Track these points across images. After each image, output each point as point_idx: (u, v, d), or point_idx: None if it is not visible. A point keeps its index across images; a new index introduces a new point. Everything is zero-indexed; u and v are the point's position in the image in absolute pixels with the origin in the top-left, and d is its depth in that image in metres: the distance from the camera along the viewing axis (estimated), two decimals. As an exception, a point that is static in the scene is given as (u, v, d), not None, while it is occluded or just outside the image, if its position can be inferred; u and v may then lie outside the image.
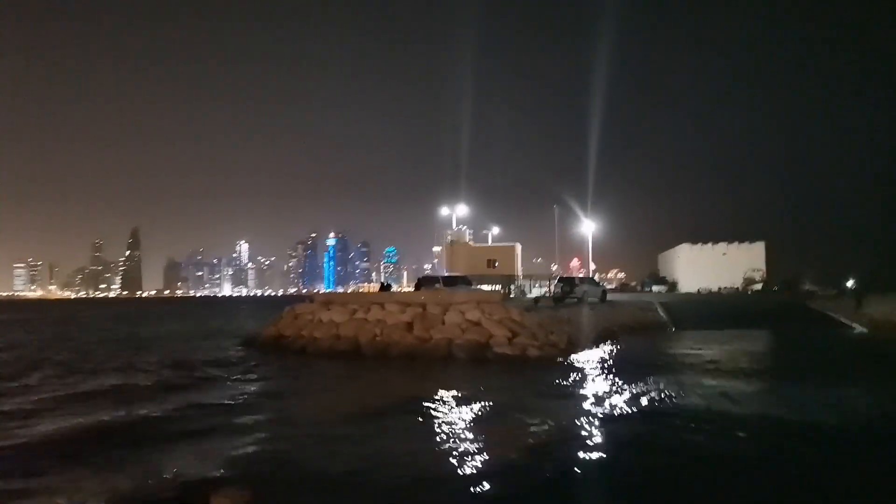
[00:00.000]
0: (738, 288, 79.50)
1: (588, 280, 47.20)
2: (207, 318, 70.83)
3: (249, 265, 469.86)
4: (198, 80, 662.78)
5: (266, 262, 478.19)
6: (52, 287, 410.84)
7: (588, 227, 66.60)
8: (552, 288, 45.61)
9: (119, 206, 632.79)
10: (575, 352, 24.27)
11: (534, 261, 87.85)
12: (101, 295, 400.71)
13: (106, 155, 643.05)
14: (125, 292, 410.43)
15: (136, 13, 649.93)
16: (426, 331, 24.86)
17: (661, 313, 41.34)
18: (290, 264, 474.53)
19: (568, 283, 43.04)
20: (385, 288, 46.26)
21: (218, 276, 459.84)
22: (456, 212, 60.34)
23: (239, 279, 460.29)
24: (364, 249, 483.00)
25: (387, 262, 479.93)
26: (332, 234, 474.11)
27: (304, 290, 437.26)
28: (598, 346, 26.76)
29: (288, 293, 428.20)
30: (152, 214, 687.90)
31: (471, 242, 58.76)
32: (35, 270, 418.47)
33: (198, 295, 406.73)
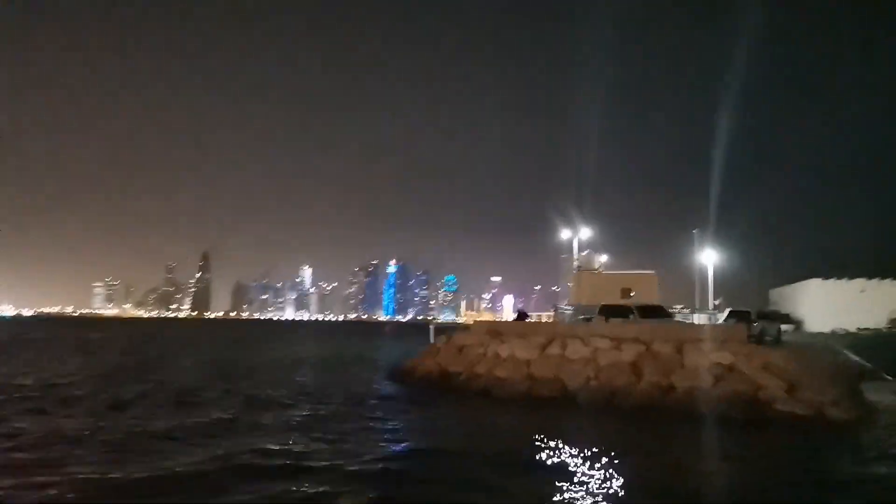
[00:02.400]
0: (884, 328, 69.89)
1: (768, 314, 40.31)
2: (306, 342, 67.37)
3: (312, 290, 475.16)
4: (267, 111, 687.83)
5: (328, 288, 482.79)
6: (127, 306, 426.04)
7: (708, 258, 59.65)
8: (723, 321, 38.96)
9: (191, 229, 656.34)
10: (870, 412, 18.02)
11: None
12: (172, 315, 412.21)
13: (182, 180, 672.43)
14: (194, 313, 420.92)
15: (216, 46, 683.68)
16: (664, 376, 19.16)
17: (855, 357, 34.23)
18: (351, 290, 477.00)
19: (745, 316, 36.33)
20: (522, 316, 40.87)
21: (282, 299, 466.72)
22: (578, 236, 54.73)
23: (301, 304, 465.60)
24: (424, 277, 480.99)
25: (446, 290, 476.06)
26: (392, 262, 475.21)
27: (364, 316, 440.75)
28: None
29: (349, 318, 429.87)
30: (222, 238, 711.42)
31: (600, 270, 52.76)
32: (112, 290, 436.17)
33: (262, 318, 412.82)
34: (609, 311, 28.08)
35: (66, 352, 45.12)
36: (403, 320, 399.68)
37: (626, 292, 49.54)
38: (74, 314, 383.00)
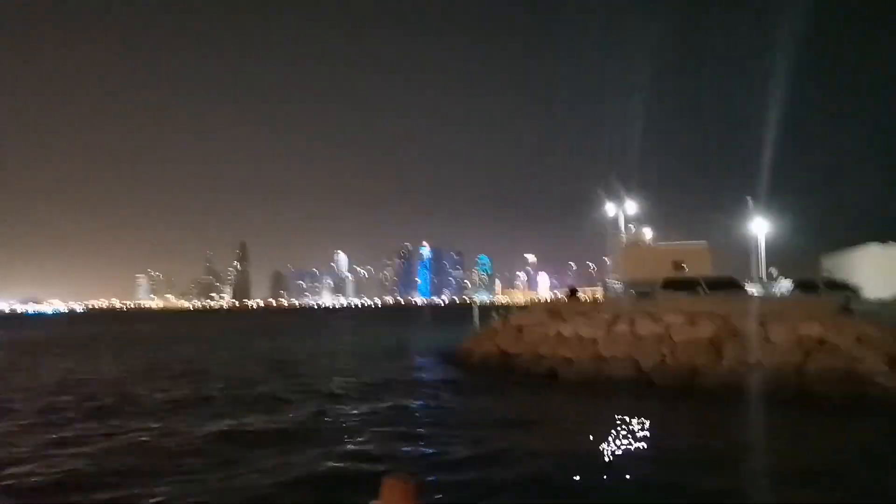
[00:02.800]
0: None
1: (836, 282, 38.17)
2: (352, 330, 67.49)
3: (348, 275, 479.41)
4: (300, 104, 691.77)
5: (363, 273, 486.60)
6: (170, 297, 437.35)
7: (759, 227, 57.03)
8: (786, 292, 37.06)
9: (228, 219, 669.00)
10: None
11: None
12: (215, 304, 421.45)
13: (217, 171, 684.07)
14: (235, 301, 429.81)
15: (254, 39, 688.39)
16: (748, 353, 17.91)
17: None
18: (386, 273, 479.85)
19: (812, 286, 34.39)
20: (573, 293, 39.78)
21: (318, 285, 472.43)
22: (623, 210, 52.94)
23: (338, 289, 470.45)
24: (457, 258, 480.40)
25: (480, 270, 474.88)
26: (426, 244, 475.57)
27: (401, 300, 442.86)
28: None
29: (386, 302, 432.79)
30: (258, 227, 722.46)
31: (649, 242, 50.94)
32: (154, 281, 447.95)
33: (299, 305, 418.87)
34: (673, 285, 26.75)
35: (130, 349, 45.77)
36: (442, 302, 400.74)
37: (677, 265, 47.84)
38: (122, 308, 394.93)
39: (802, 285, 37.13)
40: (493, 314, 67.31)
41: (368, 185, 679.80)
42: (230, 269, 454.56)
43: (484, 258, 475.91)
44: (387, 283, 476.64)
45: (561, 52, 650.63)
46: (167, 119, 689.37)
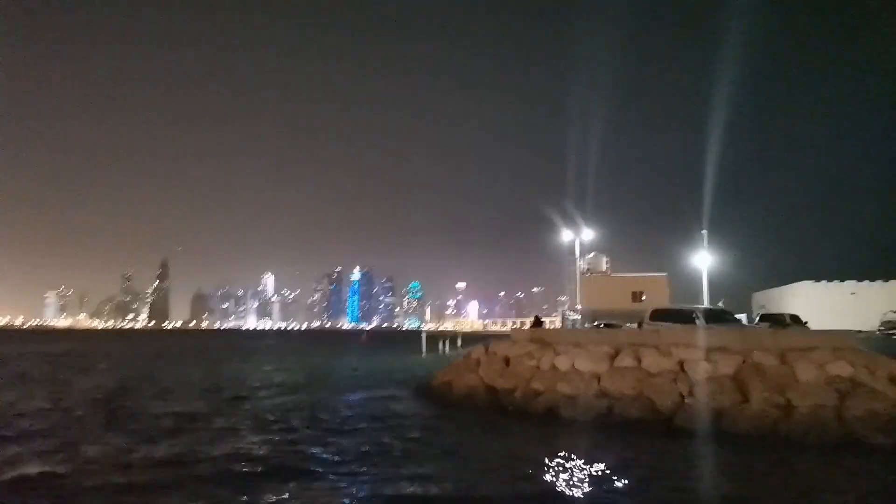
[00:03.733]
0: (878, 331, 69.49)
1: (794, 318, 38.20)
2: (288, 355, 62.93)
3: (274, 298, 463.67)
4: (225, 110, 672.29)
5: (290, 296, 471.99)
6: (82, 316, 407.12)
7: (703, 260, 57.82)
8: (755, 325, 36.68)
9: (148, 236, 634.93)
10: None
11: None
12: (129, 325, 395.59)
13: (137, 184, 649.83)
14: (151, 323, 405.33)
15: (183, 39, 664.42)
16: (777, 393, 16.23)
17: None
18: (315, 298, 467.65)
19: (779, 320, 34.11)
20: (538, 323, 37.87)
21: (243, 308, 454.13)
22: (581, 237, 52.05)
23: (263, 312, 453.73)
24: (388, 284, 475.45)
25: (411, 297, 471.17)
26: (356, 269, 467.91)
27: (328, 325, 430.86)
28: None
29: (312, 327, 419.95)
30: (181, 245, 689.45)
31: (607, 272, 50.16)
32: (65, 300, 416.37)
33: (223, 328, 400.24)
34: (664, 315, 25.18)
35: (56, 371, 39.94)
36: (368, 328, 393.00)
37: (637, 296, 47.25)
38: (23, 326, 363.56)
39: (770, 318, 36.91)
40: (442, 342, 65.02)
41: (300, 206, 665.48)
42: (149, 289, 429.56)
43: (415, 285, 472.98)
44: (315, 308, 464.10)
45: (501, 82, 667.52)
46: (85, 126, 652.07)
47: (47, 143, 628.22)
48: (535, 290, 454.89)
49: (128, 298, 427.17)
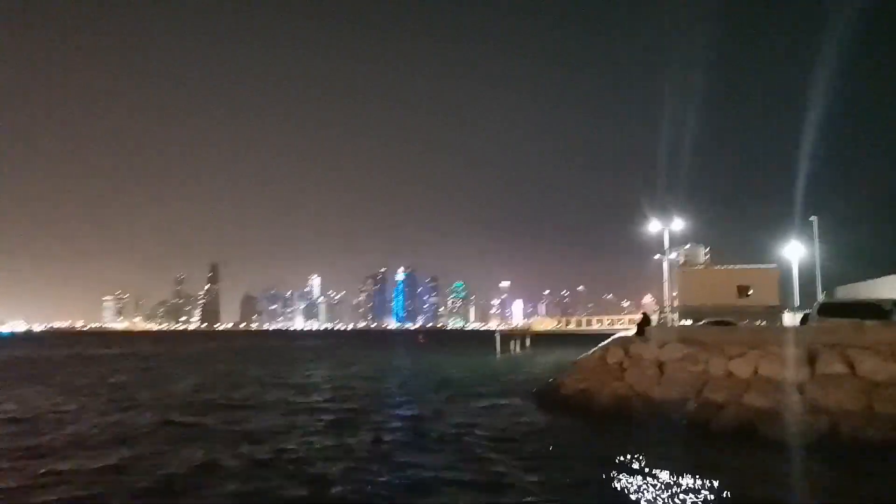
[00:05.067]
0: None
1: None
2: (370, 357, 60.58)
3: (321, 299, 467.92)
4: (273, 122, 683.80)
5: (336, 297, 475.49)
6: (137, 319, 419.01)
7: (794, 251, 52.40)
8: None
9: (200, 240, 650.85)
10: None
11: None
12: (182, 327, 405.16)
13: (187, 191, 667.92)
14: (204, 325, 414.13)
15: (222, 53, 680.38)
16: None
17: None
18: (360, 298, 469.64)
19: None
20: (647, 322, 33.99)
21: (291, 309, 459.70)
22: (670, 227, 47.66)
23: (310, 313, 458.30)
24: (432, 284, 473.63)
25: (455, 296, 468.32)
26: (401, 269, 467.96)
27: (374, 325, 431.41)
28: None
29: (358, 327, 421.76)
30: (230, 249, 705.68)
31: (706, 264, 45.67)
32: (121, 303, 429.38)
33: (271, 328, 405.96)
34: (839, 310, 21.10)
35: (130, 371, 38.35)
36: (413, 327, 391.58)
37: (743, 290, 42.56)
38: (84, 328, 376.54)
39: (857, 309, 31.53)
40: (514, 342, 61.42)
41: (345, 209, 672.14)
42: (200, 292, 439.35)
43: (459, 284, 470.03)
44: (360, 308, 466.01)
45: (564, 73, 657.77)
46: (136, 137, 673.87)
47: (104, 158, 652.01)
48: (579, 288, 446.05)
49: (181, 301, 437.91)
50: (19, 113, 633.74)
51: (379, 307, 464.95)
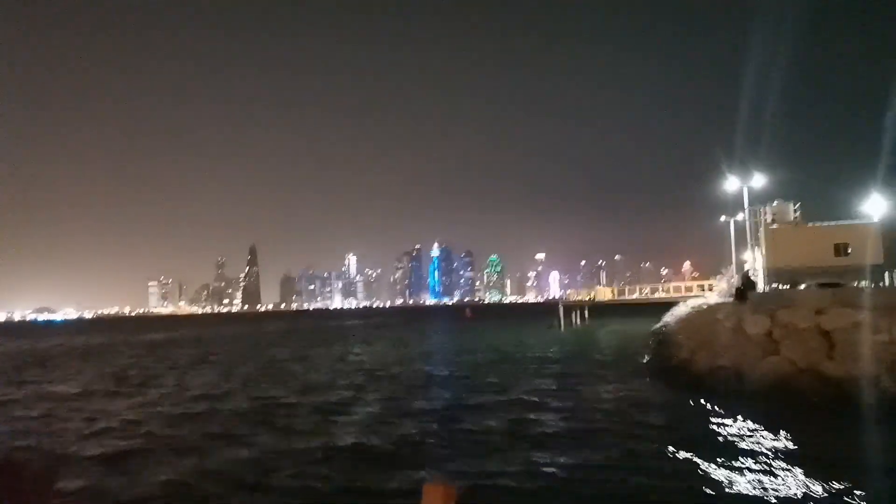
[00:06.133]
0: None
1: None
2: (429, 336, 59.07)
3: (358, 278, 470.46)
4: (309, 105, 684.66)
5: (373, 275, 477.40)
6: (181, 303, 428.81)
7: (875, 206, 48.05)
8: None
9: (238, 224, 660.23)
10: None
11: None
12: (225, 310, 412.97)
13: (226, 176, 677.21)
14: (246, 307, 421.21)
15: (265, 42, 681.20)
16: None
17: None
18: (397, 276, 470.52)
19: None
20: (750, 285, 31.10)
21: (329, 289, 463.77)
22: (750, 183, 44.02)
23: (348, 291, 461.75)
24: (467, 259, 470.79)
25: (490, 270, 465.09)
26: (435, 245, 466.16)
27: (411, 301, 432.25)
28: None
29: (396, 304, 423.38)
30: (268, 231, 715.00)
31: (797, 222, 42.07)
32: (165, 288, 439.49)
33: (311, 308, 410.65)
34: None
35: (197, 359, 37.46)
36: (451, 302, 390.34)
37: (841, 249, 39.00)
38: (131, 314, 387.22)
39: None
40: (575, 314, 58.73)
41: (378, 187, 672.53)
42: (241, 275, 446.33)
43: (494, 258, 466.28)
44: (397, 285, 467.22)
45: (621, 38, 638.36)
46: (174, 126, 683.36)
47: (146, 150, 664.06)
48: (616, 257, 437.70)
49: (222, 284, 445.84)
50: (67, 107, 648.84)
51: (415, 283, 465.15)
